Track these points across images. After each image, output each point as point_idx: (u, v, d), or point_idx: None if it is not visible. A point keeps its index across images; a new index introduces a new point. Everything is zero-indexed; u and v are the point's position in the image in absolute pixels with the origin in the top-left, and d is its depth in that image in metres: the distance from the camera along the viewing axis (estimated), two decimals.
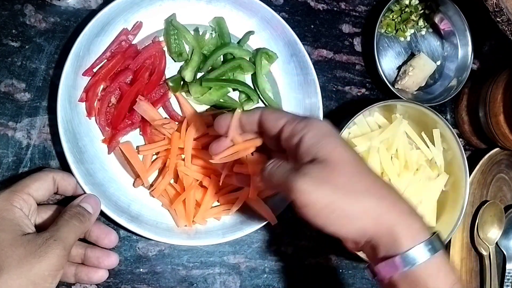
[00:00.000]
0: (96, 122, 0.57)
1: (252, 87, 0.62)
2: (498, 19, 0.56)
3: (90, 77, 0.56)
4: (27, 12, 0.57)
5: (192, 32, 0.60)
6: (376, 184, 0.43)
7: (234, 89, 0.62)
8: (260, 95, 0.62)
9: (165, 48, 0.60)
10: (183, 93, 0.60)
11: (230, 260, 0.62)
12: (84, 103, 0.56)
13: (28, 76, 0.57)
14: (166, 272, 0.60)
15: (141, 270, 0.59)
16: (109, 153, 0.57)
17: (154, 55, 0.58)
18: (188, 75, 0.59)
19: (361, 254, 0.58)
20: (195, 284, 0.60)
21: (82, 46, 0.55)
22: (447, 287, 0.42)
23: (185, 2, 0.60)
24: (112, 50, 0.57)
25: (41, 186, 0.51)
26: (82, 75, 0.56)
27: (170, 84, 0.59)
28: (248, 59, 0.61)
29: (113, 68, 0.56)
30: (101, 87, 0.57)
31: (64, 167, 0.56)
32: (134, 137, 0.58)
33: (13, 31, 0.57)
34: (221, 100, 0.61)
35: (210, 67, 0.60)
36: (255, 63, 0.61)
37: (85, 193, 0.54)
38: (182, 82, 0.60)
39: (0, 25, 0.57)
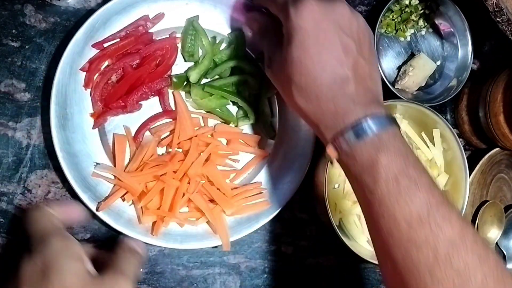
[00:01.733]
0: (90, 95, 0.56)
1: (253, 106, 0.61)
2: (498, 19, 0.56)
3: (98, 50, 0.56)
4: (27, 12, 0.57)
5: (210, 38, 0.60)
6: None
7: (233, 103, 0.61)
8: (258, 116, 0.61)
9: (179, 45, 0.60)
10: (183, 92, 0.60)
11: (230, 260, 0.62)
12: (85, 73, 0.56)
13: (28, 76, 0.57)
14: (166, 272, 0.60)
15: (141, 270, 0.59)
16: (93, 127, 0.56)
17: (167, 48, 0.58)
18: (193, 76, 0.59)
19: (361, 254, 0.58)
20: (195, 284, 0.60)
21: (99, 19, 0.55)
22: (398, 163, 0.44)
23: (211, 8, 0.60)
24: (128, 31, 0.57)
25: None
26: (92, 46, 0.56)
27: (174, 80, 0.58)
28: (255, 78, 0.60)
29: (123, 47, 0.57)
30: (106, 63, 0.57)
31: None
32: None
33: (13, 31, 0.57)
34: (218, 110, 0.60)
35: (217, 76, 0.60)
36: (261, 84, 0.60)
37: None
38: (185, 82, 0.60)
39: (0, 25, 0.57)
